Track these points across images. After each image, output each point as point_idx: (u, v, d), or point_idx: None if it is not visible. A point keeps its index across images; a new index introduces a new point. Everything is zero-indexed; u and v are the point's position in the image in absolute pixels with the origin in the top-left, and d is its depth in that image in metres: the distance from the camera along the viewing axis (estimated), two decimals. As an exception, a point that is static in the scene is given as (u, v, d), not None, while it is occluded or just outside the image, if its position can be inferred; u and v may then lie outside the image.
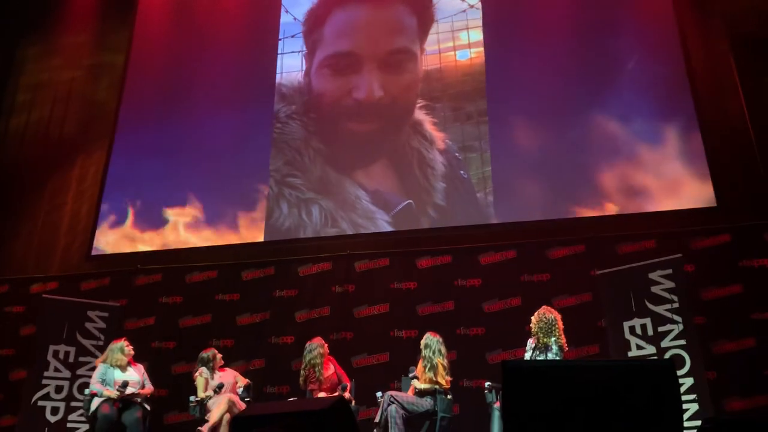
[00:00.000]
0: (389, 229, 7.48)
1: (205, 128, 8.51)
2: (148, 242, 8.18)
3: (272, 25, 8.79)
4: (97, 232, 8.34)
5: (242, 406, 5.81)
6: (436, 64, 8.00)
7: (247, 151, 8.24)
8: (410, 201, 7.43)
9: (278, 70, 8.55)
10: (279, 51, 8.63)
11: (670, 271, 5.82)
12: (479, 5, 8.11)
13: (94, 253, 8.27)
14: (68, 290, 7.78)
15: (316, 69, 8.42)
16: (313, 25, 8.60)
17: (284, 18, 8.80)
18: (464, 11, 8.09)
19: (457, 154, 7.53)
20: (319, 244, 7.60)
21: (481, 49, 7.91)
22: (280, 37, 8.70)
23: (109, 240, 8.29)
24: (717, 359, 6.00)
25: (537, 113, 7.46)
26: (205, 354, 6.14)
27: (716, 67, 7.17)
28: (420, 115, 7.80)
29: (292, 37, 8.65)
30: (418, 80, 8.00)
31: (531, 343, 5.38)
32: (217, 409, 5.65)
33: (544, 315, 5.31)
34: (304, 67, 8.47)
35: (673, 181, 6.83)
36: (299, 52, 8.55)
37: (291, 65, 8.53)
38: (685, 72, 7.11)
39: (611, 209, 6.92)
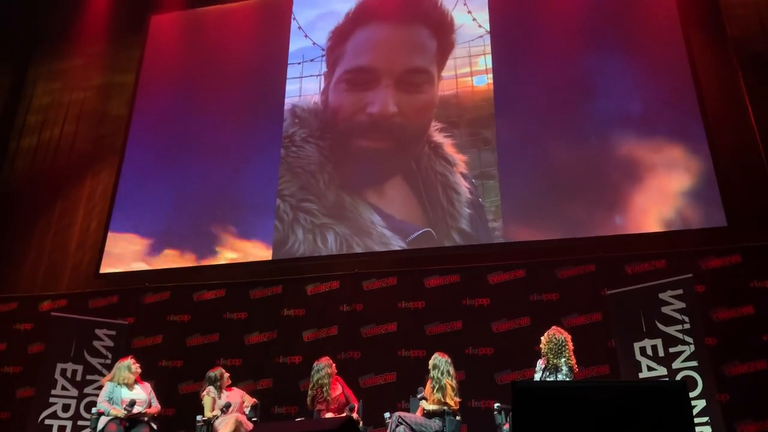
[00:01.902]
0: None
1: (214, 149, 8.56)
2: (156, 261, 8.19)
3: (282, 48, 8.86)
4: (106, 251, 8.36)
5: (249, 426, 5.77)
6: (453, 89, 8.01)
7: (256, 174, 8.26)
8: (429, 229, 7.40)
9: (293, 93, 8.58)
10: (298, 75, 8.66)
11: (680, 291, 5.77)
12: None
13: (102, 270, 8.29)
14: (77, 308, 7.80)
15: (334, 84, 8.49)
16: (336, 42, 8.69)
17: (303, 43, 8.83)
18: (481, 37, 8.12)
19: (473, 180, 7.52)
20: (326, 263, 7.60)
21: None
22: (299, 61, 8.73)
23: (118, 258, 8.31)
24: (729, 381, 5.93)
25: (547, 134, 7.48)
26: (213, 373, 6.11)
27: (726, 88, 7.18)
28: (440, 137, 7.81)
29: (311, 61, 8.70)
30: (433, 104, 8.01)
31: (541, 364, 5.33)
32: (224, 429, 5.61)
33: (554, 336, 5.26)
34: (321, 88, 8.52)
35: (683, 201, 6.80)
36: (317, 75, 8.60)
37: (307, 88, 8.58)
38: (694, 93, 7.12)
39: (621, 229, 6.89)
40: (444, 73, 8.10)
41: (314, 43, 8.79)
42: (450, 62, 8.14)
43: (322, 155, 8.16)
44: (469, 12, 8.29)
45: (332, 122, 8.29)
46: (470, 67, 8.06)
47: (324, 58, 8.66)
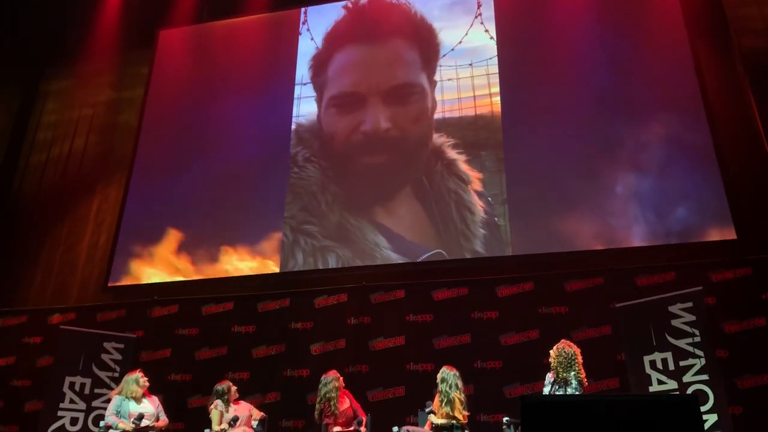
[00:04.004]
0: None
1: (222, 164, 8.59)
2: (164, 274, 8.20)
3: (289, 69, 8.91)
4: (114, 264, 8.39)
5: (257, 439, 5.75)
6: (457, 110, 8.00)
7: (263, 195, 8.27)
8: (440, 250, 7.37)
9: (296, 114, 8.62)
10: (297, 96, 8.72)
11: (690, 304, 5.72)
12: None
13: (111, 284, 8.32)
14: (85, 321, 7.83)
15: (324, 110, 8.53)
16: (318, 69, 8.76)
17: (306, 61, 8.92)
18: (487, 60, 8.11)
19: (490, 198, 7.50)
20: (334, 276, 7.60)
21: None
22: (303, 82, 8.78)
23: (126, 271, 8.33)
24: (742, 394, 5.87)
25: (555, 148, 7.47)
26: (220, 386, 6.10)
27: (734, 99, 7.17)
28: (453, 154, 7.81)
29: (306, 84, 8.77)
30: (428, 112, 8.06)
31: (550, 377, 5.30)
32: (231, 443, 5.60)
33: (564, 349, 5.23)
34: (316, 112, 8.58)
35: (692, 214, 6.76)
36: (314, 97, 8.66)
37: (309, 110, 8.61)
38: (703, 106, 7.10)
39: (630, 241, 6.86)
40: (447, 96, 8.08)
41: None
42: (453, 83, 8.14)
43: (325, 175, 8.17)
44: (486, 30, 8.31)
45: (330, 147, 8.30)
46: (473, 91, 8.04)
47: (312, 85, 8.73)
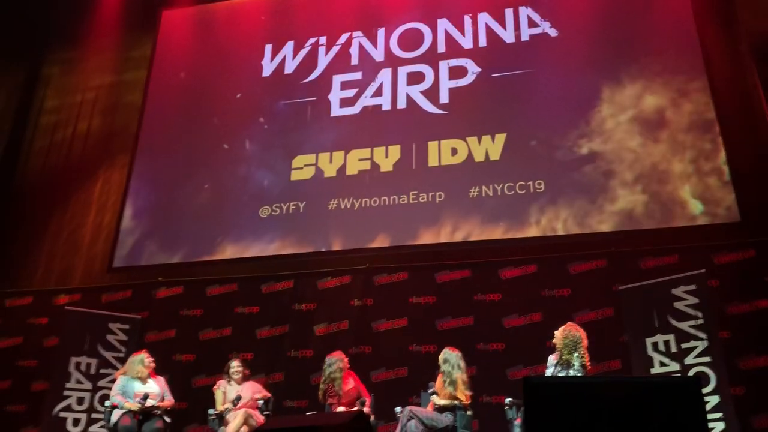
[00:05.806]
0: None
1: (227, 143, 8.57)
2: (169, 255, 8.20)
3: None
4: (119, 245, 8.40)
5: (261, 419, 5.81)
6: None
7: (266, 173, 8.24)
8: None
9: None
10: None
11: (693, 286, 5.74)
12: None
13: (115, 265, 8.33)
14: (90, 302, 7.86)
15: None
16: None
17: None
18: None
19: (486, 181, 7.46)
20: (337, 258, 7.60)
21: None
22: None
23: (131, 252, 8.33)
24: (745, 375, 5.89)
25: (552, 126, 7.43)
26: (226, 367, 6.22)
27: (740, 83, 7.11)
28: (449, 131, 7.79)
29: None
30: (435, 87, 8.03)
31: (553, 359, 5.33)
32: (233, 422, 5.66)
33: (570, 332, 5.25)
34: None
35: (696, 196, 6.74)
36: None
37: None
38: (708, 88, 7.05)
39: (633, 224, 6.84)
40: (452, 82, 8.04)
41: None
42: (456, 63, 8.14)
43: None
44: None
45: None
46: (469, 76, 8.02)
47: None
